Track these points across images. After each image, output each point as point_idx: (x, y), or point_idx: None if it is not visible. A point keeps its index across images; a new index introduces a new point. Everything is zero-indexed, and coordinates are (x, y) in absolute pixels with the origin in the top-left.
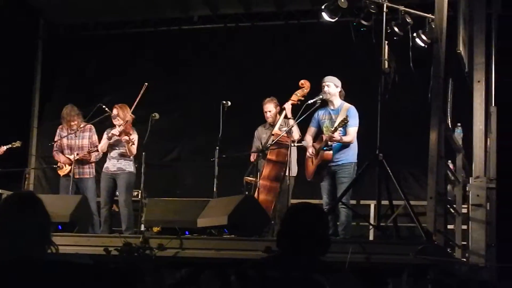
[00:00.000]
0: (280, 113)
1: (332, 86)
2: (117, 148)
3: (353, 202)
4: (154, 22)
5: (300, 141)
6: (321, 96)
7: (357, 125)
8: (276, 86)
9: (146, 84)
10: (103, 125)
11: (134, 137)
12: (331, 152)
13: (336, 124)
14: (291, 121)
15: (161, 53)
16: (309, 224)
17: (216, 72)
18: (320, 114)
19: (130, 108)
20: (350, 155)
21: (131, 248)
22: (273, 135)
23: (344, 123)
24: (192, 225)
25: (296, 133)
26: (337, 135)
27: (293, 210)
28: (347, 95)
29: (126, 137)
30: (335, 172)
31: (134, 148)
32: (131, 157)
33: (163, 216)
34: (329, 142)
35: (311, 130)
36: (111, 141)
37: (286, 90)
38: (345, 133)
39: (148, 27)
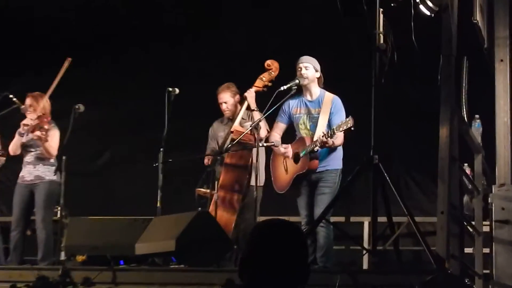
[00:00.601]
0: (241, 103)
1: (311, 69)
2: (33, 150)
3: (340, 219)
4: None
5: (268, 139)
6: (297, 81)
7: None
8: (236, 68)
9: (70, 59)
10: (11, 121)
11: (54, 133)
12: (318, 160)
13: (325, 123)
14: (257, 114)
15: (85, 25)
16: (282, 247)
17: (158, 50)
18: (293, 106)
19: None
20: (335, 160)
21: (46, 284)
22: (232, 132)
23: (349, 127)
24: (129, 251)
25: (263, 130)
26: (330, 140)
27: (260, 229)
28: (329, 78)
29: (37, 133)
30: (317, 181)
31: (51, 147)
32: (53, 161)
33: (90, 240)
34: (316, 148)
35: (279, 126)
36: (24, 138)
37: (249, 74)
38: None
39: None
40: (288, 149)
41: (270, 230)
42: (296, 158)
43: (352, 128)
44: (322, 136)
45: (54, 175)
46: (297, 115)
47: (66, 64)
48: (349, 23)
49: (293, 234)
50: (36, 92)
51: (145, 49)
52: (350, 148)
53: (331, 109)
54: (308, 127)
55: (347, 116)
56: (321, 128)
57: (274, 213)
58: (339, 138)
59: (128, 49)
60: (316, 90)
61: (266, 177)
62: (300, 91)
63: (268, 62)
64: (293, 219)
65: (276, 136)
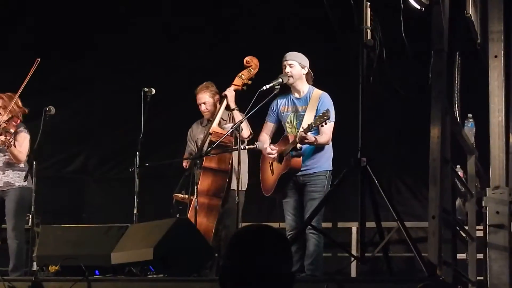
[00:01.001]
0: (220, 102)
1: (297, 65)
2: (1, 155)
3: (327, 225)
4: None
5: (251, 140)
6: (280, 80)
7: (333, 120)
8: (216, 66)
9: (39, 59)
10: None
11: (23, 137)
12: (300, 158)
13: (311, 120)
14: (237, 113)
15: (53, 20)
16: (264, 254)
17: (133, 47)
18: (281, 104)
19: (19, 96)
20: (324, 162)
21: None
22: (210, 134)
23: (324, 119)
24: (105, 261)
25: (245, 130)
26: (311, 135)
27: (242, 235)
28: (315, 78)
29: (1, 137)
30: (304, 185)
31: (20, 152)
32: (23, 166)
33: (63, 249)
34: (298, 145)
35: (268, 126)
36: None
37: (229, 71)
38: (318, 132)
39: None
40: (274, 151)
41: (252, 236)
42: (280, 157)
43: (328, 122)
44: (302, 131)
45: (25, 180)
46: (284, 114)
47: (35, 65)
48: (337, 21)
49: (276, 240)
50: (6, 93)
51: (120, 47)
52: (335, 151)
53: (317, 106)
54: (295, 125)
55: (336, 114)
56: (306, 125)
57: (257, 219)
58: (324, 136)
59: (97, 44)
60: (304, 88)
61: (249, 181)
62: (289, 89)
63: (247, 58)
64: (277, 225)
65: (264, 136)
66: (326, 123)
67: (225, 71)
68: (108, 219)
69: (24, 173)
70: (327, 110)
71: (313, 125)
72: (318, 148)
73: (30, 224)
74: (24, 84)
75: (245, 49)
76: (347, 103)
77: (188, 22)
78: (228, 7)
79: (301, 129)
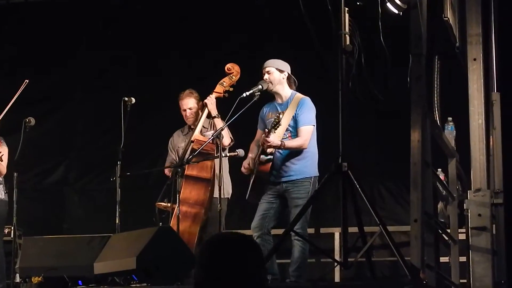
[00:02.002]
0: (201, 110)
1: (274, 71)
2: None
3: (310, 231)
4: None
5: (232, 148)
6: (259, 86)
7: (313, 123)
8: (196, 74)
9: (27, 81)
10: None
11: (3, 151)
12: (269, 164)
13: (288, 124)
14: (218, 121)
15: (30, 28)
16: (237, 262)
17: (112, 55)
18: (266, 111)
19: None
20: (307, 167)
21: None
22: (192, 142)
23: (275, 124)
24: (87, 271)
25: (226, 138)
26: (274, 139)
27: (213, 243)
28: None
29: None
30: (288, 192)
31: (2, 166)
32: (0, 179)
33: (46, 261)
34: (267, 150)
35: (258, 134)
36: None
37: (209, 79)
38: (296, 135)
39: None
40: (246, 165)
41: (223, 244)
42: (256, 161)
43: (278, 127)
44: (263, 136)
45: (6, 191)
46: (268, 120)
47: (23, 86)
48: (314, 26)
49: (248, 247)
50: None
51: (98, 54)
52: (320, 157)
53: (296, 110)
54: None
55: (318, 120)
56: (282, 129)
57: (241, 226)
58: (297, 139)
59: (75, 52)
60: (285, 93)
61: (232, 188)
62: (273, 96)
63: (229, 65)
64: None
65: (253, 145)
66: (276, 129)
67: (205, 78)
68: (90, 229)
69: (1, 186)
70: (279, 114)
71: (271, 129)
72: (295, 152)
73: (12, 236)
74: (10, 104)
75: (226, 56)
76: (328, 108)
77: (165, 32)
78: (209, 16)
79: (263, 135)
